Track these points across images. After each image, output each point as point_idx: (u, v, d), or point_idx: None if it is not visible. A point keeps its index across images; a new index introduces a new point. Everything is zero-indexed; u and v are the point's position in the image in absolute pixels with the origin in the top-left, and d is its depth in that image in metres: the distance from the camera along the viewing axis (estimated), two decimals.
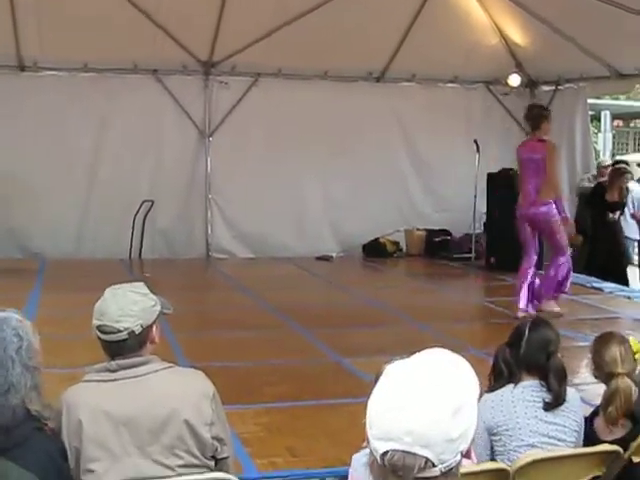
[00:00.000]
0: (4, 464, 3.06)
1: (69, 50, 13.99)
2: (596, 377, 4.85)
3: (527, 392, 4.44)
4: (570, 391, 4.52)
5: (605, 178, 14.67)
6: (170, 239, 15.54)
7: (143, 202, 14.96)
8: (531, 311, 10.67)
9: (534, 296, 11.07)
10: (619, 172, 14.10)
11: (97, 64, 14.61)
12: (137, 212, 14.88)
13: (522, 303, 10.85)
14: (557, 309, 11.00)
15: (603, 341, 4.81)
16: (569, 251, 11.32)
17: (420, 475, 1.96)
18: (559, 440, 4.40)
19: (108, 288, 3.79)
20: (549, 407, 4.41)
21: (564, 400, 4.44)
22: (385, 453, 1.97)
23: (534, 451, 4.30)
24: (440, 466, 1.97)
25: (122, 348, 3.63)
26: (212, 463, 3.66)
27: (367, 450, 2.12)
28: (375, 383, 2.12)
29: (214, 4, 14.02)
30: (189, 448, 3.55)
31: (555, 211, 10.86)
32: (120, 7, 13.65)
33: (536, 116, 11.19)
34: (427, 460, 1.96)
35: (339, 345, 8.96)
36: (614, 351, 4.64)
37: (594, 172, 15.82)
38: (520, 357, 4.53)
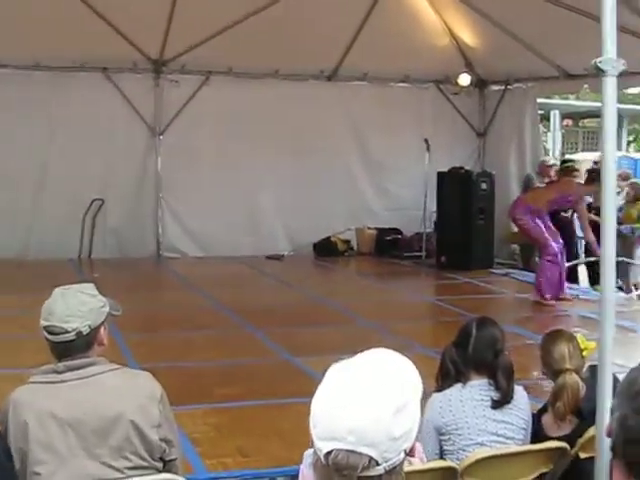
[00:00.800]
0: None
1: (19, 48, 13.83)
2: (544, 374, 4.90)
3: (475, 391, 4.46)
4: (517, 389, 4.56)
5: (552, 177, 14.82)
6: (120, 238, 15.43)
7: (93, 201, 14.87)
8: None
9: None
10: (569, 171, 14.20)
11: (48, 62, 14.47)
12: (87, 211, 14.79)
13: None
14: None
15: (551, 338, 4.86)
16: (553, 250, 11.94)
17: (364, 474, 1.97)
18: (507, 438, 4.43)
19: (57, 288, 3.76)
20: (497, 405, 4.44)
21: (512, 398, 4.47)
22: (329, 453, 1.97)
23: (482, 449, 4.33)
24: (384, 464, 1.98)
25: (69, 349, 3.60)
26: (160, 465, 3.64)
27: (311, 450, 2.12)
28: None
29: (165, 2, 13.93)
30: (137, 450, 3.53)
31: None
32: (71, 5, 13.50)
33: None
34: (371, 459, 1.96)
35: (290, 344, 8.96)
36: (562, 348, 4.69)
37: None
38: (468, 356, 4.55)
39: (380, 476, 1.99)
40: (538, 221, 11.91)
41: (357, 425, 1.96)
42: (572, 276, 13.66)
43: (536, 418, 4.74)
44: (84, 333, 3.61)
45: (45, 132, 14.76)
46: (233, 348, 8.91)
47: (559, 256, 11.97)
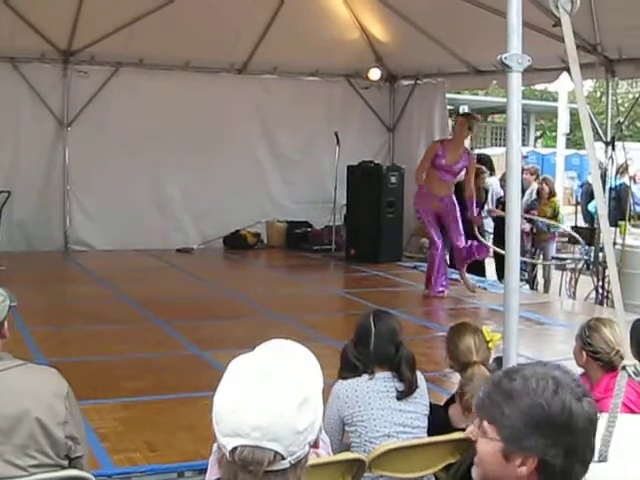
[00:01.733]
0: None
1: None
2: (451, 367, 4.97)
3: (380, 383, 4.51)
4: (417, 376, 4.63)
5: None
6: (27, 231, 15.19)
7: None
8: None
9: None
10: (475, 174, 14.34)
11: None
12: None
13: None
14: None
15: (457, 332, 4.93)
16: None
17: (270, 468, 1.98)
18: (413, 427, 4.50)
19: None
20: (402, 396, 4.50)
21: (416, 387, 4.54)
22: (234, 449, 1.98)
23: (390, 441, 4.37)
24: (289, 458, 2.00)
25: None
26: (66, 462, 3.59)
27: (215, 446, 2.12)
28: None
29: None
30: (42, 448, 3.48)
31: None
32: None
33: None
34: (276, 453, 1.98)
35: (198, 338, 8.94)
36: (468, 341, 4.76)
37: None
38: (370, 353, 4.60)
39: (285, 470, 2.01)
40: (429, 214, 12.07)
41: (261, 421, 1.98)
42: (479, 269, 13.85)
43: (443, 410, 4.81)
44: None
45: None
46: (141, 342, 8.84)
47: (440, 250, 12.15)
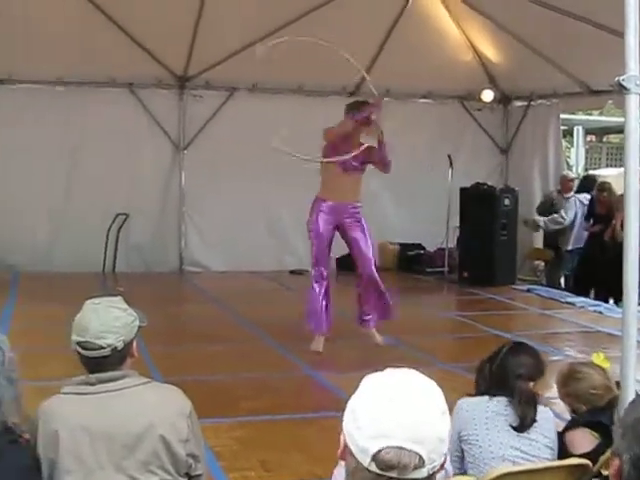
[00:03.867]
0: None
1: (45, 63, 14.00)
2: (570, 405, 4.92)
3: (500, 406, 4.45)
4: (542, 410, 4.53)
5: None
6: (144, 253, 15.52)
7: (117, 215, 14.95)
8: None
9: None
10: (601, 187, 14.15)
11: (72, 77, 14.62)
12: (111, 225, 14.87)
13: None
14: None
15: (570, 377, 4.90)
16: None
17: (411, 476, 1.97)
18: (532, 455, 4.41)
19: (87, 302, 3.75)
20: (517, 429, 4.42)
21: (532, 422, 4.43)
22: (378, 452, 1.96)
23: (504, 464, 4.33)
24: (428, 466, 1.98)
25: (103, 364, 3.61)
26: None
27: (343, 464, 2.13)
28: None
29: (190, 19, 14.04)
30: (163, 464, 3.54)
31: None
32: (97, 21, 13.68)
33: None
34: (420, 457, 1.96)
35: (312, 359, 9.00)
36: (593, 382, 4.74)
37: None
38: (492, 375, 4.58)
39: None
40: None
41: (408, 421, 1.97)
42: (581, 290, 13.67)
43: (560, 435, 4.74)
44: (119, 349, 3.63)
45: (70, 147, 14.88)
46: (256, 362, 8.94)
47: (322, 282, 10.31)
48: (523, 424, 4.42)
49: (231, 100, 15.72)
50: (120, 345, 3.63)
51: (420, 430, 1.97)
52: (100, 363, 3.62)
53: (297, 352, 9.24)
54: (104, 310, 3.68)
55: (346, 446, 2.05)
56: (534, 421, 4.43)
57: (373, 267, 10.07)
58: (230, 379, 8.21)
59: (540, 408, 4.54)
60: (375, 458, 1.96)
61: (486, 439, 4.38)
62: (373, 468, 1.97)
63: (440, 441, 2.01)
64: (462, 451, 4.45)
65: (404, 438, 1.95)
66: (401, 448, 1.95)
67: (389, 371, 2.13)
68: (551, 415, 4.62)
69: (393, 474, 1.95)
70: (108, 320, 3.65)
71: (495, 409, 4.45)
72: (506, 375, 4.52)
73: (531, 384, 4.55)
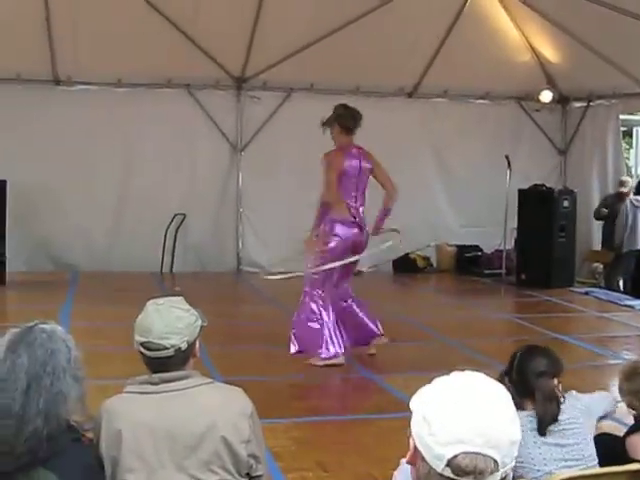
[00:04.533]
0: (44, 473, 3.09)
1: (103, 65, 14.14)
2: (633, 407, 4.82)
3: (526, 420, 4.28)
4: (566, 402, 4.43)
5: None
6: (201, 253, 15.62)
7: (175, 216, 15.05)
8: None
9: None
10: None
11: (130, 79, 14.77)
12: (169, 226, 14.97)
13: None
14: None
15: (634, 373, 4.82)
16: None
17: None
18: (577, 460, 4.31)
19: (149, 302, 3.77)
20: (541, 430, 4.30)
21: (552, 420, 4.32)
22: (454, 457, 1.96)
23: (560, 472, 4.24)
24: (502, 470, 1.99)
25: (166, 364, 3.63)
26: None
27: (407, 466, 2.12)
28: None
29: (247, 21, 14.11)
30: (224, 464, 3.54)
31: None
32: (155, 23, 13.79)
33: (357, 117, 9.98)
34: (495, 462, 1.97)
35: (369, 361, 8.98)
36: None
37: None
38: (514, 384, 4.43)
39: None
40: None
41: (484, 426, 1.97)
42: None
43: (621, 440, 4.67)
44: (182, 349, 3.64)
45: (128, 147, 15.02)
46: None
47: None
48: (543, 423, 4.31)
49: (288, 101, 15.76)
50: (184, 346, 3.65)
51: (494, 435, 1.97)
52: (163, 363, 3.64)
53: (353, 354, 9.20)
54: (167, 311, 3.70)
55: (416, 450, 2.05)
56: (555, 420, 4.32)
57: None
58: (287, 380, 8.22)
59: (570, 403, 4.45)
60: (450, 464, 1.96)
61: (528, 458, 4.25)
62: (448, 473, 1.97)
63: (512, 444, 2.01)
64: None
65: (480, 444, 1.95)
66: (477, 454, 1.95)
67: (456, 374, 2.13)
68: (577, 401, 4.51)
69: (468, 479, 1.95)
70: (171, 321, 3.66)
71: (528, 426, 4.28)
72: (527, 378, 4.43)
73: (555, 381, 4.48)
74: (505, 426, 2.00)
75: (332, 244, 9.20)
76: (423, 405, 2.07)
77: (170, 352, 3.62)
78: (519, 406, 4.33)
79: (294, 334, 8.99)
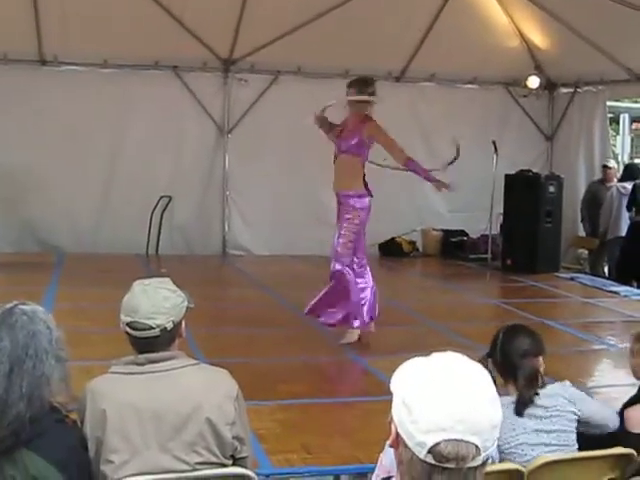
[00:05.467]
0: (27, 455, 3.10)
1: (90, 45, 14.07)
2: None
3: (505, 411, 4.29)
4: (554, 388, 4.46)
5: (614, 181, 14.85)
6: (187, 235, 15.60)
7: (161, 198, 15.03)
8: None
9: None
10: None
11: (117, 60, 14.69)
12: (155, 208, 14.94)
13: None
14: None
15: None
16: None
17: (467, 465, 1.98)
18: (564, 446, 4.33)
19: (136, 282, 3.79)
20: (517, 409, 4.32)
21: (530, 401, 4.33)
22: (436, 445, 1.97)
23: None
24: (483, 454, 2.00)
25: (152, 344, 3.64)
26: (230, 462, 3.66)
27: (392, 449, 2.12)
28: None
29: (235, 2, 14.06)
30: (209, 446, 3.56)
31: None
32: (142, 4, 13.71)
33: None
34: (477, 447, 1.98)
35: (355, 343, 8.97)
36: None
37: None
38: (498, 366, 4.49)
39: (476, 468, 2.01)
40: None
41: (465, 413, 1.98)
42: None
43: (619, 413, 4.69)
44: (168, 329, 3.66)
45: (115, 129, 14.97)
46: (299, 345, 8.94)
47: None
48: (523, 403, 4.33)
49: (275, 84, 15.71)
50: (170, 325, 3.66)
51: (476, 421, 1.98)
52: (150, 343, 3.65)
53: (340, 336, 9.21)
54: (153, 291, 3.72)
55: (398, 436, 2.05)
56: (531, 401, 4.33)
57: (334, 263, 9.24)
58: (272, 362, 8.22)
59: (555, 386, 4.48)
60: (432, 451, 1.98)
61: (518, 445, 4.27)
62: (430, 460, 1.98)
63: (493, 428, 2.01)
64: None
65: (461, 430, 1.97)
66: (459, 441, 1.96)
67: (435, 357, 2.13)
68: (567, 393, 4.49)
69: (451, 465, 1.96)
70: (158, 301, 3.69)
71: (509, 410, 4.31)
72: (511, 359, 4.45)
73: (540, 359, 4.51)
74: (486, 410, 2.01)
75: (362, 217, 9.52)
76: (403, 388, 2.07)
77: (156, 332, 3.62)
78: (502, 390, 4.35)
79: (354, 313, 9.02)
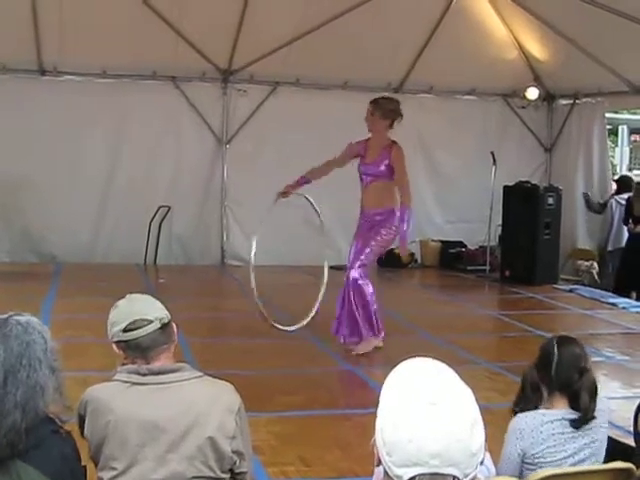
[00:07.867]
0: (21, 466, 3.08)
1: (89, 55, 14.08)
2: None
3: (557, 424, 4.25)
4: (595, 406, 4.37)
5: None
6: (185, 245, 15.59)
7: (159, 208, 15.01)
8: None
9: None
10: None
11: (117, 70, 14.71)
12: (153, 218, 14.93)
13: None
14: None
15: None
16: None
17: None
18: (595, 455, 4.31)
19: (119, 300, 3.81)
20: (578, 424, 4.26)
21: (593, 417, 4.29)
22: (411, 479, 1.94)
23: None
24: (465, 479, 1.96)
25: (156, 341, 3.64)
26: (227, 476, 3.62)
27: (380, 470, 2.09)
28: None
29: (234, 13, 14.07)
30: (207, 460, 3.52)
31: None
32: (141, 14, 13.73)
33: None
34: (454, 477, 1.94)
35: (352, 355, 8.96)
36: None
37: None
38: (551, 378, 4.36)
39: None
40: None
41: (439, 447, 1.93)
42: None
43: (634, 417, 4.66)
44: (165, 322, 3.68)
45: (113, 139, 14.98)
46: (295, 357, 8.94)
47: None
48: (586, 417, 4.27)
49: (274, 94, 15.73)
50: (166, 319, 3.67)
51: (452, 453, 1.93)
52: (153, 340, 3.64)
53: (336, 348, 9.20)
54: (136, 298, 3.81)
55: (380, 461, 2.03)
56: (593, 417, 4.29)
57: (352, 271, 9.66)
58: (268, 373, 8.20)
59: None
60: None
61: (547, 458, 4.23)
62: None
63: (473, 456, 1.97)
64: (521, 471, 4.26)
65: (437, 464, 1.93)
66: (435, 474, 1.93)
67: (415, 379, 2.06)
68: (606, 409, 4.46)
69: None
70: (146, 302, 3.78)
71: (552, 426, 4.26)
72: (569, 374, 4.33)
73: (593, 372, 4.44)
74: (464, 441, 1.95)
75: (392, 235, 9.63)
76: (380, 415, 2.03)
77: (157, 325, 3.63)
78: (538, 401, 4.32)
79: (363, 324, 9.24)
